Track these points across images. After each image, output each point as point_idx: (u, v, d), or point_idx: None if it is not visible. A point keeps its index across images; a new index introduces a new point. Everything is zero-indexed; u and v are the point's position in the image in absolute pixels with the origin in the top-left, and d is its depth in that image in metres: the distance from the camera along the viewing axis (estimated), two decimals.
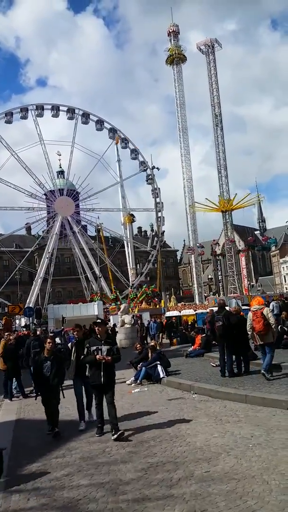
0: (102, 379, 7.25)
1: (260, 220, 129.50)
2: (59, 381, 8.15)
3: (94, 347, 7.36)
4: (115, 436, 6.97)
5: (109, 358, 7.22)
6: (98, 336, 7.51)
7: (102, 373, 7.25)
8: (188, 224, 67.21)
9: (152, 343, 14.78)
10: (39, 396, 8.63)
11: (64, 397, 8.26)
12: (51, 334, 18.24)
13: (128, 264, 71.56)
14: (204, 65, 66.00)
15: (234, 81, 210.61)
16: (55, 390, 8.14)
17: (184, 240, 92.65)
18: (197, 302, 60.78)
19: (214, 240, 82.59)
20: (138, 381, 12.37)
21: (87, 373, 7.73)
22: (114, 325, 30.18)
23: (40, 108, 69.13)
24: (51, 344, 8.38)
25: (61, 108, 70.52)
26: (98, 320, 8.27)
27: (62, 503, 4.92)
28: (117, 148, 72.08)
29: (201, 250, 70.18)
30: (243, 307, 18.91)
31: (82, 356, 7.80)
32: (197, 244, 69.11)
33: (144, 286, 55.11)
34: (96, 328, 7.55)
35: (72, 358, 8.45)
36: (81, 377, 8.21)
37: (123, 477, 5.43)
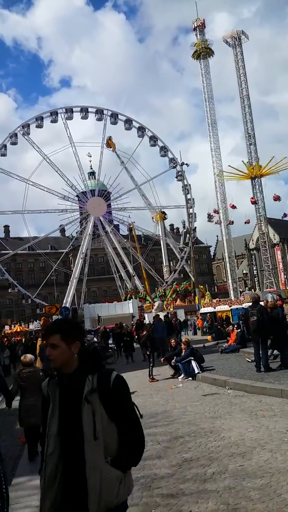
0: None
1: None
2: None
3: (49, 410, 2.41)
4: None
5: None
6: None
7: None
8: (221, 218, 66.18)
9: (184, 339, 14.81)
10: None
11: None
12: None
13: (163, 262, 71.74)
14: (231, 52, 64.73)
15: (262, 65, 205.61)
16: None
17: (217, 236, 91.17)
18: (232, 297, 59.91)
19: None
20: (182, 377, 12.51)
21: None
22: (139, 321, 25.41)
23: (69, 111, 69.93)
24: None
25: (89, 109, 71.25)
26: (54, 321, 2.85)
27: None
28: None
29: (217, 219, 64.07)
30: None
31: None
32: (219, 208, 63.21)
33: (175, 283, 54.73)
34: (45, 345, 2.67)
35: None
36: None
37: (158, 471, 5.49)
